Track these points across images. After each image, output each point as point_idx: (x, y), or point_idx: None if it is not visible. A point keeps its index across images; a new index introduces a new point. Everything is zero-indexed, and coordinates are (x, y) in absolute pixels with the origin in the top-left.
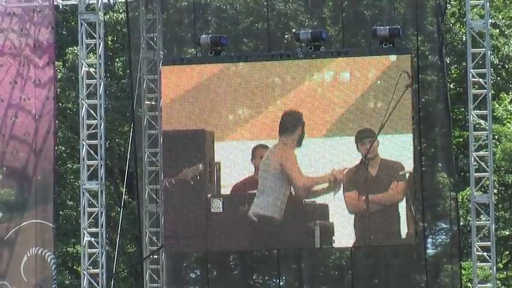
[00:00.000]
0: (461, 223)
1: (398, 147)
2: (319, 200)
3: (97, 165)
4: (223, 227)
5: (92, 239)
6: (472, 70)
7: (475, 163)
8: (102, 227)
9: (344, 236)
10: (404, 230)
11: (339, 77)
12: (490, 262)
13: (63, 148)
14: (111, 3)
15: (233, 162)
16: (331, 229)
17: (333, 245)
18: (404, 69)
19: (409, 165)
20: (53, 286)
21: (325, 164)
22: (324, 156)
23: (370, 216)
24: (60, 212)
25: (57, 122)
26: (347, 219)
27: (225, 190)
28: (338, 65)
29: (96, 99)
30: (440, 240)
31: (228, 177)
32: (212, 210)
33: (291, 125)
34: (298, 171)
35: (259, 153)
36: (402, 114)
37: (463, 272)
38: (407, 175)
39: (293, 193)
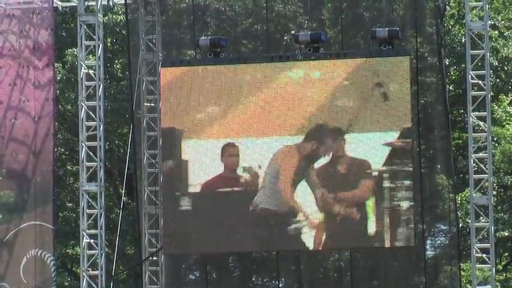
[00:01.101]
0: (460, 225)
1: (366, 146)
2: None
3: (96, 166)
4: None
5: (91, 240)
6: (471, 72)
7: (474, 165)
8: (101, 228)
9: (311, 236)
10: (372, 229)
11: (309, 76)
12: (489, 264)
13: (62, 150)
14: (111, 5)
15: (201, 160)
16: (300, 230)
17: (306, 246)
18: (373, 69)
19: (377, 164)
20: None
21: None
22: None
23: (339, 215)
24: (60, 214)
25: (56, 123)
26: (317, 217)
27: (194, 189)
28: (308, 65)
29: (96, 100)
30: (439, 242)
31: (197, 176)
32: (181, 208)
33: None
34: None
35: (228, 152)
36: (370, 113)
37: (463, 273)
38: (374, 173)
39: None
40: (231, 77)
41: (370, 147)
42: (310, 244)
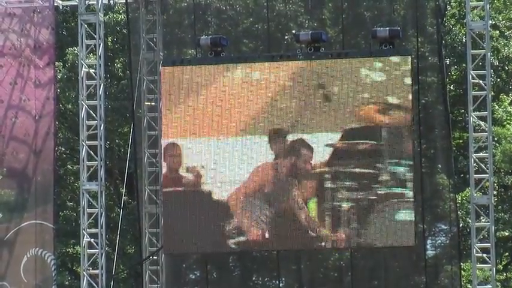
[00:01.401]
0: (461, 224)
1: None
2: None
3: (97, 166)
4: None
5: (92, 239)
6: (472, 71)
7: (474, 164)
8: (101, 227)
9: (259, 236)
10: (313, 227)
11: (251, 77)
12: (489, 263)
13: (63, 149)
14: (111, 4)
15: None
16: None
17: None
18: (315, 70)
19: (319, 164)
20: (53, 287)
21: (240, 164)
22: (238, 155)
23: (283, 216)
24: (60, 213)
25: (57, 122)
26: (264, 217)
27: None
28: (250, 66)
29: (96, 100)
30: (440, 241)
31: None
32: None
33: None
34: None
35: (170, 152)
36: (313, 114)
37: (463, 273)
38: (316, 174)
39: None
40: (174, 78)
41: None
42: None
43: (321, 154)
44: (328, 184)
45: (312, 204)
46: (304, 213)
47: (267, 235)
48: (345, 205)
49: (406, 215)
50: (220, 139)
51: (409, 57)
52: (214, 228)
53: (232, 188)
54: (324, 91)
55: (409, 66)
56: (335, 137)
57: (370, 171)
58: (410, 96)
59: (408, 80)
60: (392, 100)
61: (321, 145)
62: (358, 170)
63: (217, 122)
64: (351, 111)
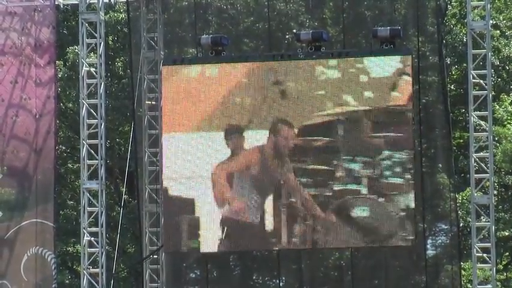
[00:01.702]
0: (461, 224)
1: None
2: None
3: (97, 164)
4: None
5: (92, 238)
6: (472, 71)
7: (475, 164)
8: (102, 226)
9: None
10: (269, 227)
11: (207, 73)
12: (490, 263)
13: (63, 148)
14: (112, 3)
15: None
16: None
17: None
18: (271, 68)
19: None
20: (53, 286)
21: (197, 160)
22: (195, 152)
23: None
24: (61, 212)
25: (57, 121)
26: (217, 215)
27: None
28: (206, 65)
29: (97, 98)
30: (440, 241)
31: None
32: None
33: None
34: None
35: None
36: (269, 110)
37: (463, 273)
38: None
39: None
40: None
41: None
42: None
43: None
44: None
45: (269, 201)
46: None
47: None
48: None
49: (361, 212)
50: (177, 135)
51: (410, 56)
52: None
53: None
54: (280, 87)
55: (362, 64)
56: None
57: (326, 167)
58: (367, 94)
59: (365, 78)
60: (347, 98)
61: None
62: (313, 166)
63: (173, 119)
64: (307, 108)
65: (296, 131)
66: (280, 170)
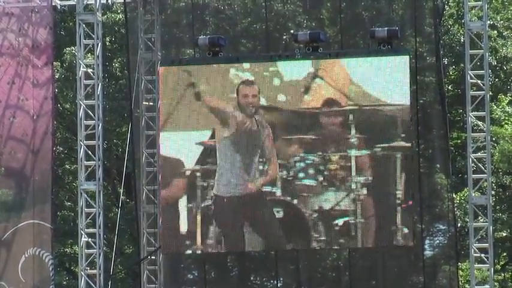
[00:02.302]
0: (459, 224)
1: (179, 145)
2: None
3: (95, 165)
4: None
5: (90, 239)
6: (470, 71)
7: (473, 164)
8: (99, 227)
9: None
10: (184, 227)
11: None
12: (487, 264)
13: (61, 148)
14: (109, 3)
15: None
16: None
17: None
18: (185, 70)
19: (190, 163)
20: (51, 287)
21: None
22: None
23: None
24: (58, 213)
25: (55, 122)
26: None
27: None
28: None
29: (94, 99)
30: (438, 241)
31: None
32: None
33: None
34: None
35: None
36: (183, 112)
37: (461, 273)
38: (187, 172)
39: None
40: None
41: (182, 146)
42: None
43: (192, 152)
44: (199, 182)
45: (183, 203)
46: None
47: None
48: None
49: (276, 213)
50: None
51: (407, 57)
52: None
53: None
54: (194, 90)
55: (276, 68)
56: (205, 135)
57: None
58: (280, 97)
59: (278, 82)
60: (261, 101)
61: (192, 143)
62: None
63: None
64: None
65: (210, 133)
66: (194, 173)
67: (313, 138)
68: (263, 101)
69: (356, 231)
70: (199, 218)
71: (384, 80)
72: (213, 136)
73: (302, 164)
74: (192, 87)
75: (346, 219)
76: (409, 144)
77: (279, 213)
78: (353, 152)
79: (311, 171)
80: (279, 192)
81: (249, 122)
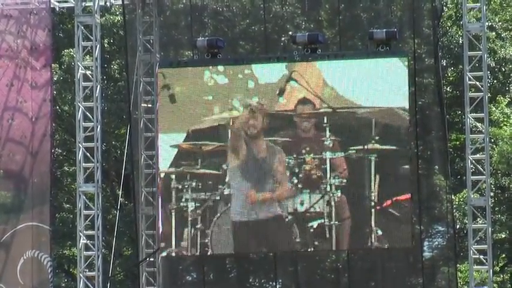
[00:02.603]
0: (458, 226)
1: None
2: None
3: (93, 167)
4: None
5: (88, 241)
6: (468, 73)
7: (471, 166)
8: (98, 229)
9: None
10: (160, 230)
11: None
12: (486, 265)
13: (59, 150)
14: (108, 5)
15: None
16: None
17: None
18: (161, 72)
19: (164, 165)
20: None
21: None
22: None
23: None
24: (57, 215)
25: (53, 124)
26: None
27: None
28: None
29: (93, 101)
30: (436, 243)
31: None
32: None
33: None
34: None
35: None
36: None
37: (460, 275)
38: (161, 174)
39: None
40: None
41: (158, 148)
42: None
43: (167, 154)
44: (173, 184)
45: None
46: None
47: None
48: (191, 206)
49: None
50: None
51: (406, 58)
52: None
53: None
54: (169, 92)
55: (250, 71)
56: (179, 138)
57: (215, 172)
58: (254, 99)
59: (252, 84)
60: (235, 103)
61: (167, 146)
62: (202, 170)
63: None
64: (194, 113)
65: (184, 135)
66: (169, 175)
67: (288, 140)
68: (237, 104)
69: (330, 233)
70: (174, 220)
71: (366, 82)
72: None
73: None
74: (167, 89)
75: (320, 221)
76: (384, 147)
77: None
78: (328, 154)
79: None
80: None
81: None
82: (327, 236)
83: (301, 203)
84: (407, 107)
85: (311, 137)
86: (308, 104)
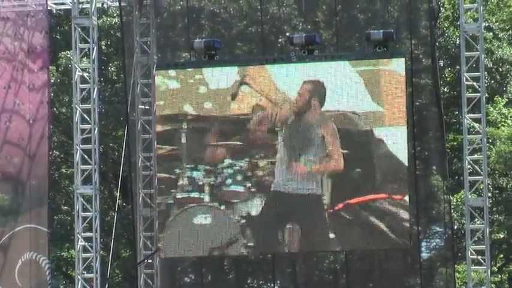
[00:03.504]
0: (455, 226)
1: None
2: None
3: (91, 169)
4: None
5: (86, 243)
6: (466, 73)
7: (469, 166)
8: (96, 231)
9: None
10: None
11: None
12: (484, 266)
13: (57, 153)
14: (105, 7)
15: None
16: None
17: None
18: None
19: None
20: None
21: None
22: None
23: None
24: (55, 217)
25: (51, 126)
26: None
27: None
28: None
29: (90, 103)
30: (434, 243)
31: None
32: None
33: None
34: None
35: None
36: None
37: (458, 275)
38: None
39: None
40: None
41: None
42: None
43: None
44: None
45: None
46: None
47: None
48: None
49: (203, 219)
50: None
51: (403, 59)
52: None
53: None
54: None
55: (201, 76)
56: None
57: (168, 175)
58: (207, 105)
59: (204, 89)
60: (187, 108)
61: None
62: (158, 174)
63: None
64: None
65: None
66: None
67: (240, 144)
68: (190, 108)
69: (283, 236)
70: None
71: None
72: None
73: (230, 170)
74: None
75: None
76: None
77: (206, 219)
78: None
79: (239, 177)
80: (207, 198)
81: None
82: (279, 239)
83: (254, 207)
84: (358, 111)
85: (263, 141)
86: (261, 108)
